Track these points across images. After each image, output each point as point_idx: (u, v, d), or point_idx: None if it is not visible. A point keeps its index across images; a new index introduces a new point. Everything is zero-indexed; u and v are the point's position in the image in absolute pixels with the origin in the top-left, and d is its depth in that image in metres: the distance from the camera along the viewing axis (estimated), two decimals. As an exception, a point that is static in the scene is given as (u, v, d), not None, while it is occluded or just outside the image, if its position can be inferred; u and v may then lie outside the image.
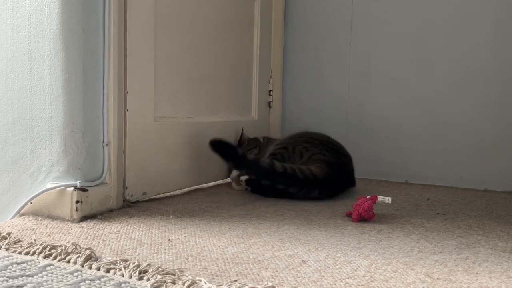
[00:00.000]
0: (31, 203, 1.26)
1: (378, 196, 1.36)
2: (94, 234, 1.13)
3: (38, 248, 0.96)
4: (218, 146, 1.56)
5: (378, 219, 1.35)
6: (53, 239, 1.08)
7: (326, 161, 1.63)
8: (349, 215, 1.36)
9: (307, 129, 1.94)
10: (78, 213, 1.23)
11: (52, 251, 0.96)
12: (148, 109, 1.50)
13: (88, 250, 0.94)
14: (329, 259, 1.00)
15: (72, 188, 1.24)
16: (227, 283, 0.83)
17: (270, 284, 0.84)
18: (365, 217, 1.31)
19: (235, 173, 1.78)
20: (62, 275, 0.85)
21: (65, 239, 1.08)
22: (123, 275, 0.85)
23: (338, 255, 1.03)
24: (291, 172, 1.53)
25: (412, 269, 0.95)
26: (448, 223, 1.34)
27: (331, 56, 2.22)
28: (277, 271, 0.92)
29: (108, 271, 0.87)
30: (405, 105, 2.08)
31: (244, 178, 1.68)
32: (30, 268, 0.88)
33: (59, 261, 0.92)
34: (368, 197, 1.35)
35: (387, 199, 1.39)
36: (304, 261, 0.98)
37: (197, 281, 0.83)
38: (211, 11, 1.79)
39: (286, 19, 2.29)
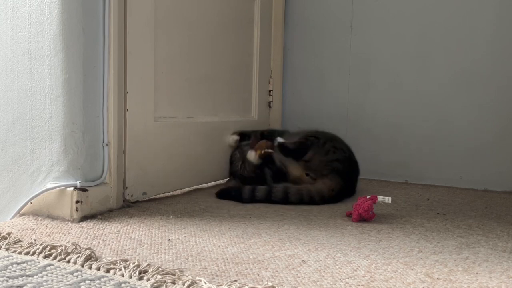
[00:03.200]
0: (31, 203, 1.26)
1: (378, 196, 1.36)
2: (94, 234, 1.13)
3: (38, 248, 0.96)
4: (223, 195, 1.58)
5: (378, 219, 1.35)
6: (53, 239, 1.08)
7: (341, 172, 1.62)
8: (349, 215, 1.36)
9: (315, 128, 1.94)
10: (78, 213, 1.23)
11: (52, 251, 0.96)
12: (148, 109, 1.50)
13: (88, 250, 0.94)
14: (329, 259, 1.00)
15: (72, 188, 1.25)
16: (227, 283, 0.83)
17: (270, 284, 0.84)
18: (365, 217, 1.31)
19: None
20: (62, 275, 0.85)
21: (65, 239, 1.08)
22: (123, 275, 0.85)
23: (338, 255, 1.03)
24: (307, 199, 1.53)
25: (412, 269, 0.95)
26: (448, 223, 1.34)
27: (331, 56, 2.22)
28: (277, 271, 0.92)
29: (108, 271, 0.87)
30: (405, 105, 2.08)
31: None
32: (30, 268, 0.88)
33: (59, 261, 0.92)
34: (368, 197, 1.35)
35: (387, 199, 1.39)
36: (304, 261, 0.98)
37: (197, 281, 0.83)
38: (211, 11, 1.79)
39: (286, 19, 2.29)
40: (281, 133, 1.91)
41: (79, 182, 1.26)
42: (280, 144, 1.70)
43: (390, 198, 1.39)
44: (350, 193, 1.67)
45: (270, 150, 1.67)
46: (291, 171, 1.65)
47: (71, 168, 1.27)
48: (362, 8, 2.15)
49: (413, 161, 2.07)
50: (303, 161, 1.65)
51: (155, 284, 0.82)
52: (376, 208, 1.37)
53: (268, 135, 1.90)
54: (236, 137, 1.89)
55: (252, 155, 1.69)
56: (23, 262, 0.90)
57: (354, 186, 1.71)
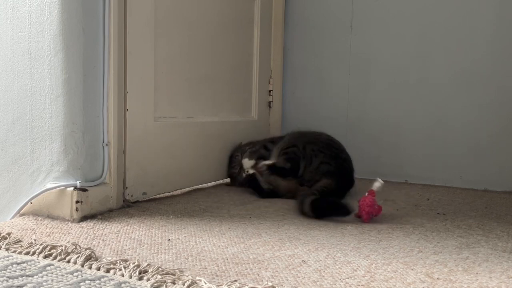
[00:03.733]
0: (31, 203, 1.26)
1: (372, 187, 1.36)
2: (94, 234, 1.13)
3: (38, 248, 0.96)
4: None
5: (378, 219, 1.35)
6: (53, 239, 1.08)
7: (332, 172, 1.62)
8: (358, 216, 1.35)
9: (307, 128, 1.94)
10: (78, 213, 1.23)
11: (52, 251, 0.96)
12: (148, 109, 1.50)
13: (88, 250, 0.94)
14: (329, 259, 1.00)
15: (72, 188, 1.24)
16: (227, 283, 0.83)
17: (270, 284, 0.84)
18: (374, 213, 1.31)
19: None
20: (62, 275, 0.85)
21: (65, 239, 1.08)
22: (123, 275, 0.85)
23: (338, 255, 1.03)
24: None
25: (412, 269, 0.95)
26: (448, 223, 1.34)
27: (331, 56, 2.22)
28: (277, 271, 0.92)
29: (108, 271, 0.87)
30: (405, 105, 2.08)
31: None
32: (30, 268, 0.88)
33: (59, 261, 0.92)
34: (366, 194, 1.34)
35: (379, 182, 1.37)
36: (304, 261, 0.98)
37: (197, 281, 0.83)
38: (211, 11, 1.79)
39: (286, 19, 2.29)
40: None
41: (79, 182, 1.26)
42: (271, 167, 1.67)
43: (379, 179, 1.37)
44: (350, 185, 1.67)
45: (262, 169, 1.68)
46: (284, 185, 1.63)
47: (71, 168, 1.27)
48: (362, 8, 2.15)
49: (413, 161, 2.07)
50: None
51: (155, 284, 0.82)
52: (376, 208, 1.37)
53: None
54: (253, 162, 1.81)
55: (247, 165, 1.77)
56: (23, 262, 0.90)
57: (351, 179, 1.71)
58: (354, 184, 1.71)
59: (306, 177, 1.62)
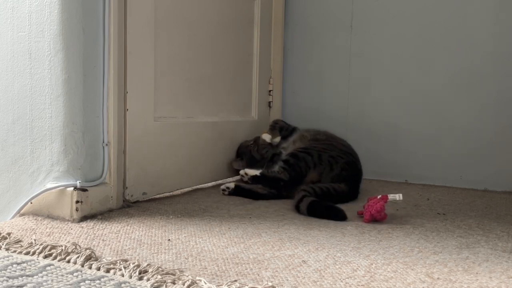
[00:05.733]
0: (31, 203, 1.26)
1: (388, 195, 1.34)
2: (94, 234, 1.13)
3: (38, 248, 0.96)
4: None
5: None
6: (53, 239, 1.08)
7: (350, 179, 1.63)
8: (360, 214, 1.35)
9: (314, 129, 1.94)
10: (78, 213, 1.23)
11: (52, 251, 0.96)
12: (148, 109, 1.50)
13: (88, 250, 0.94)
14: (329, 259, 1.00)
15: (72, 188, 1.25)
16: (227, 283, 0.83)
17: (270, 284, 0.84)
18: (377, 218, 1.31)
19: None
20: (62, 275, 0.85)
21: (65, 239, 1.08)
22: (123, 275, 0.85)
23: (338, 255, 1.03)
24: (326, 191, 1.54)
25: (412, 269, 0.95)
26: (448, 223, 1.34)
27: (331, 56, 2.22)
28: (277, 271, 0.92)
29: (108, 271, 0.87)
30: (405, 105, 2.08)
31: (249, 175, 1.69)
32: (30, 268, 0.88)
33: (59, 261, 0.92)
34: (378, 197, 1.33)
35: (398, 196, 1.34)
36: (304, 261, 0.98)
37: (197, 281, 0.83)
38: (211, 11, 1.79)
39: (286, 19, 2.29)
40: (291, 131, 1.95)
41: (79, 182, 1.26)
42: (258, 178, 1.66)
43: (400, 195, 1.35)
44: (355, 195, 1.66)
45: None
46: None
47: (71, 168, 1.27)
48: (362, 8, 2.15)
49: (413, 161, 2.07)
50: (312, 182, 1.61)
51: (155, 284, 0.82)
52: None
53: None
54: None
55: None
56: (23, 262, 0.90)
57: (358, 188, 1.70)
58: (357, 197, 1.69)
59: (327, 182, 1.60)
